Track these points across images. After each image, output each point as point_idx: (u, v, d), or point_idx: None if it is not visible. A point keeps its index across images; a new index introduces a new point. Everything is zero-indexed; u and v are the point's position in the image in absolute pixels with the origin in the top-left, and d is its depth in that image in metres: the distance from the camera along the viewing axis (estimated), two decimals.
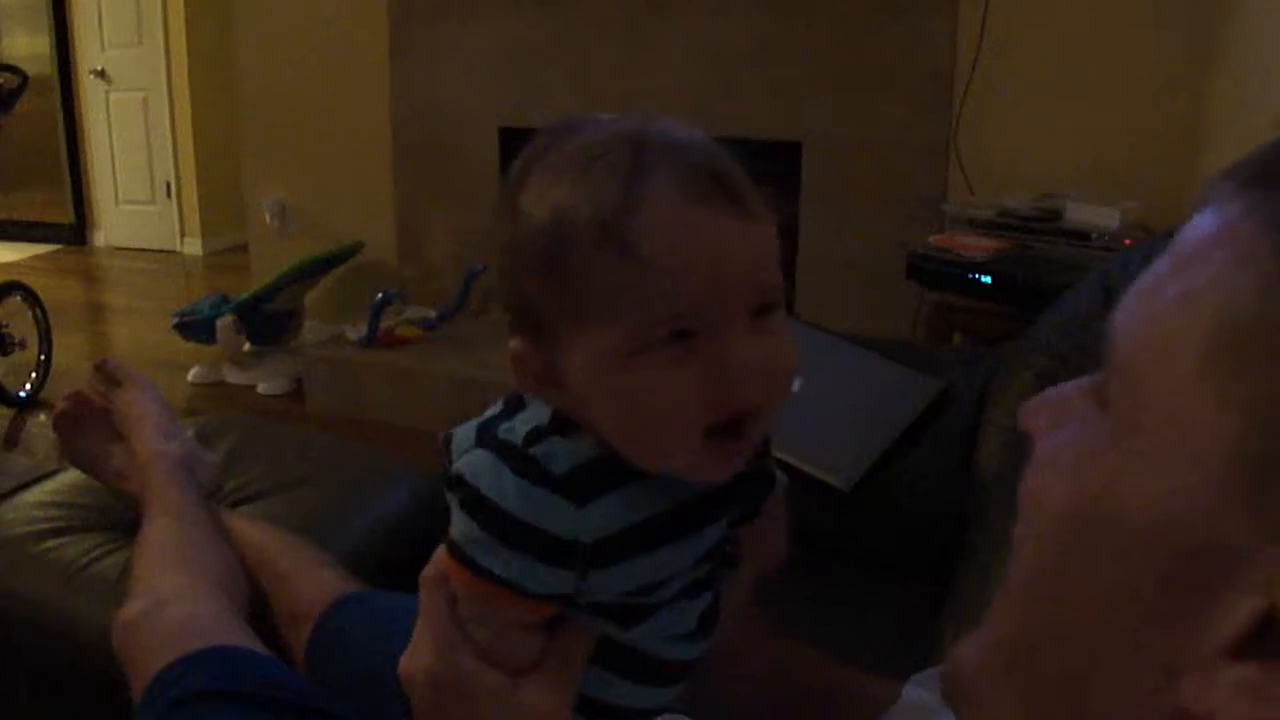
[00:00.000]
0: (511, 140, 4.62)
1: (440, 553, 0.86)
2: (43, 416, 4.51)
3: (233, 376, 4.94)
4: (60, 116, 7.91)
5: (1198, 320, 0.48)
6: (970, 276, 3.14)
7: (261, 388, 4.83)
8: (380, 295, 4.49)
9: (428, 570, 0.87)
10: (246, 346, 4.93)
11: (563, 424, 0.81)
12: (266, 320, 4.87)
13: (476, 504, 0.79)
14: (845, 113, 4.08)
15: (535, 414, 0.82)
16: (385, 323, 4.52)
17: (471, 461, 0.81)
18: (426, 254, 4.87)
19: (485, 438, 0.82)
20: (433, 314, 4.65)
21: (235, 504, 1.94)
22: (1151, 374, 0.51)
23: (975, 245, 3.25)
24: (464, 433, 0.85)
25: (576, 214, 0.74)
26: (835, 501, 1.79)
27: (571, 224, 0.74)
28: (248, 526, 1.72)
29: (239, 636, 1.39)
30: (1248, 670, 0.45)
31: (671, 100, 4.24)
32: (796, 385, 1.95)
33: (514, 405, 0.85)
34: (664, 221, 0.73)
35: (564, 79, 4.43)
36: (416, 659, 0.86)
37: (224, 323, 4.72)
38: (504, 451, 0.80)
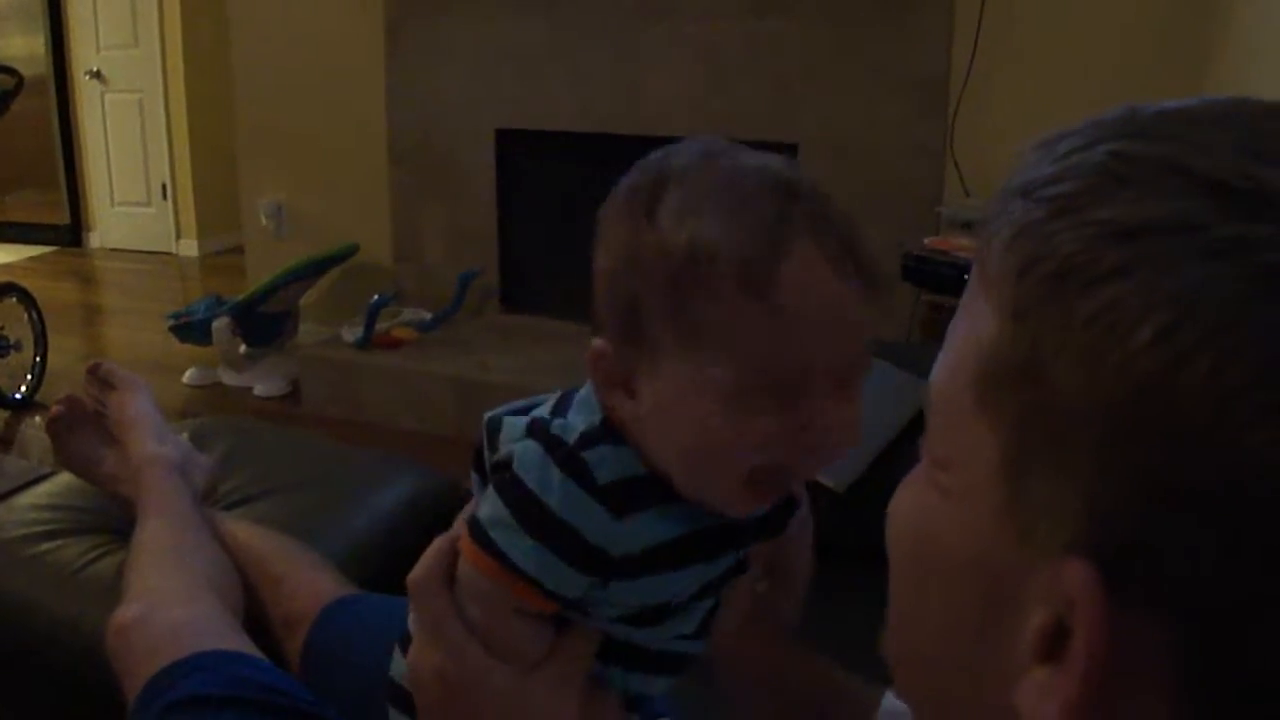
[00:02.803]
0: (507, 142, 4.62)
1: (428, 555, 0.87)
2: (38, 419, 4.50)
3: (228, 378, 4.94)
4: (55, 118, 7.89)
5: (970, 357, 0.53)
6: (966, 278, 3.13)
7: (257, 389, 4.82)
8: (376, 297, 4.49)
9: (416, 573, 0.87)
10: (242, 348, 4.93)
11: (614, 432, 0.82)
12: (262, 322, 4.87)
13: (517, 492, 0.81)
14: (841, 114, 4.09)
15: (586, 414, 0.84)
16: (381, 324, 4.52)
17: (521, 451, 0.82)
18: (422, 256, 4.87)
19: (537, 430, 0.83)
20: (428, 316, 4.65)
21: (230, 507, 1.94)
22: (947, 413, 0.55)
23: (970, 247, 3.25)
24: (514, 422, 0.86)
25: (721, 248, 0.75)
26: (829, 503, 1.79)
27: (713, 256, 0.75)
28: (242, 530, 1.72)
29: (233, 641, 1.39)
30: (1043, 672, 0.49)
31: (668, 101, 4.25)
32: None
33: (563, 403, 0.87)
34: (804, 279, 0.75)
35: (560, 81, 4.43)
36: (424, 658, 0.87)
37: (220, 324, 4.71)
38: (555, 448, 0.81)
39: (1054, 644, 0.48)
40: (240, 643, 1.39)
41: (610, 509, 0.79)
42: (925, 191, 3.96)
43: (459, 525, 0.87)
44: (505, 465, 0.82)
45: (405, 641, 0.91)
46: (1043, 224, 0.49)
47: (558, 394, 0.89)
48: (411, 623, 0.91)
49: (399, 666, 0.93)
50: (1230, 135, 0.49)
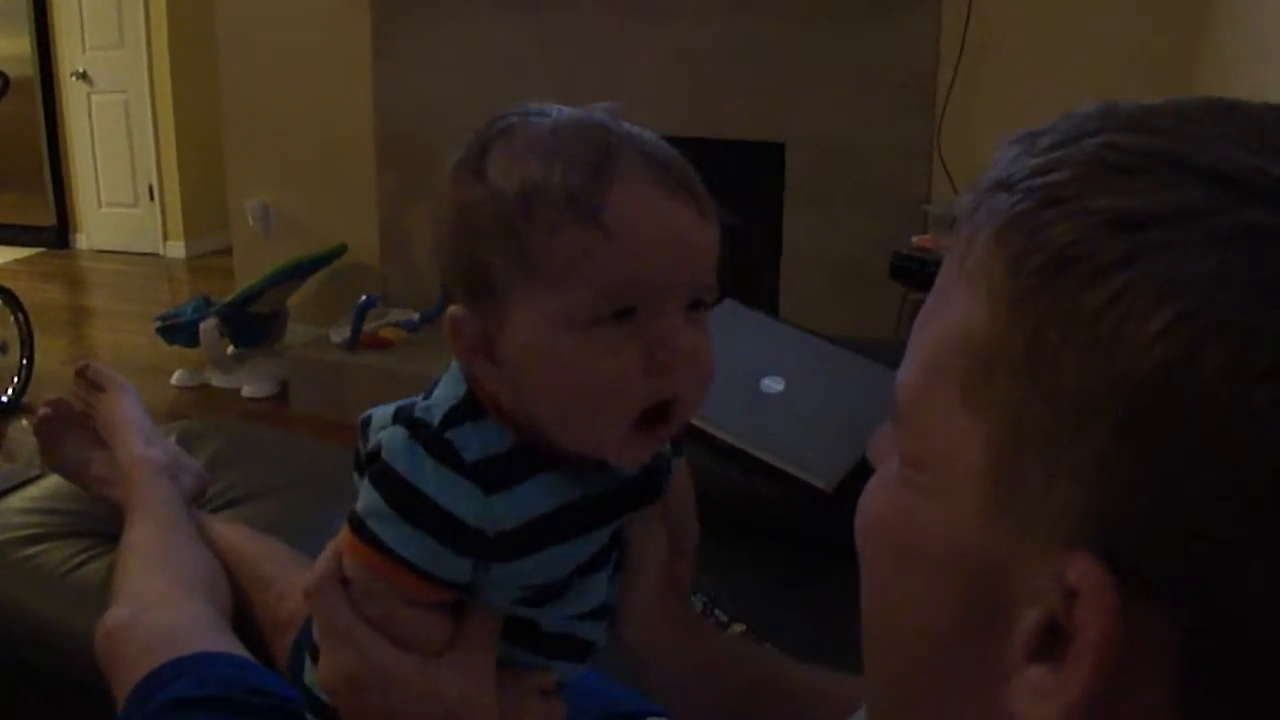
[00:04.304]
0: None
1: (319, 560, 0.86)
2: (25, 421, 4.48)
3: (217, 380, 4.93)
4: (42, 119, 7.86)
5: (953, 351, 0.52)
6: None
7: (246, 391, 4.82)
8: (363, 298, 4.49)
9: (309, 579, 0.86)
10: (230, 350, 4.93)
11: (476, 409, 0.83)
12: (250, 323, 4.86)
13: (388, 480, 0.81)
14: (828, 113, 4.09)
15: (449, 393, 0.84)
16: (368, 325, 4.52)
17: (389, 439, 0.82)
18: (409, 257, 4.86)
19: (402, 416, 0.84)
20: (416, 316, 4.64)
21: (218, 509, 1.93)
22: (924, 410, 0.54)
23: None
24: (383, 412, 0.87)
25: (547, 184, 0.77)
26: (819, 502, 1.80)
27: (542, 191, 0.77)
28: (231, 532, 1.72)
29: (222, 643, 1.39)
30: (1037, 672, 0.48)
31: (655, 103, 4.24)
32: (781, 385, 1.97)
33: (433, 385, 0.88)
34: (632, 200, 0.77)
35: (546, 82, 4.42)
36: (331, 663, 0.85)
37: (207, 326, 4.71)
38: (419, 431, 0.81)
39: (1048, 643, 0.47)
40: (229, 645, 1.39)
41: (481, 486, 0.79)
42: (912, 190, 3.97)
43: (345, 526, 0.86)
44: (376, 455, 0.82)
45: (314, 651, 0.90)
46: (1034, 214, 0.49)
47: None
48: (315, 631, 0.90)
49: (311, 675, 0.92)
50: (1219, 128, 0.49)
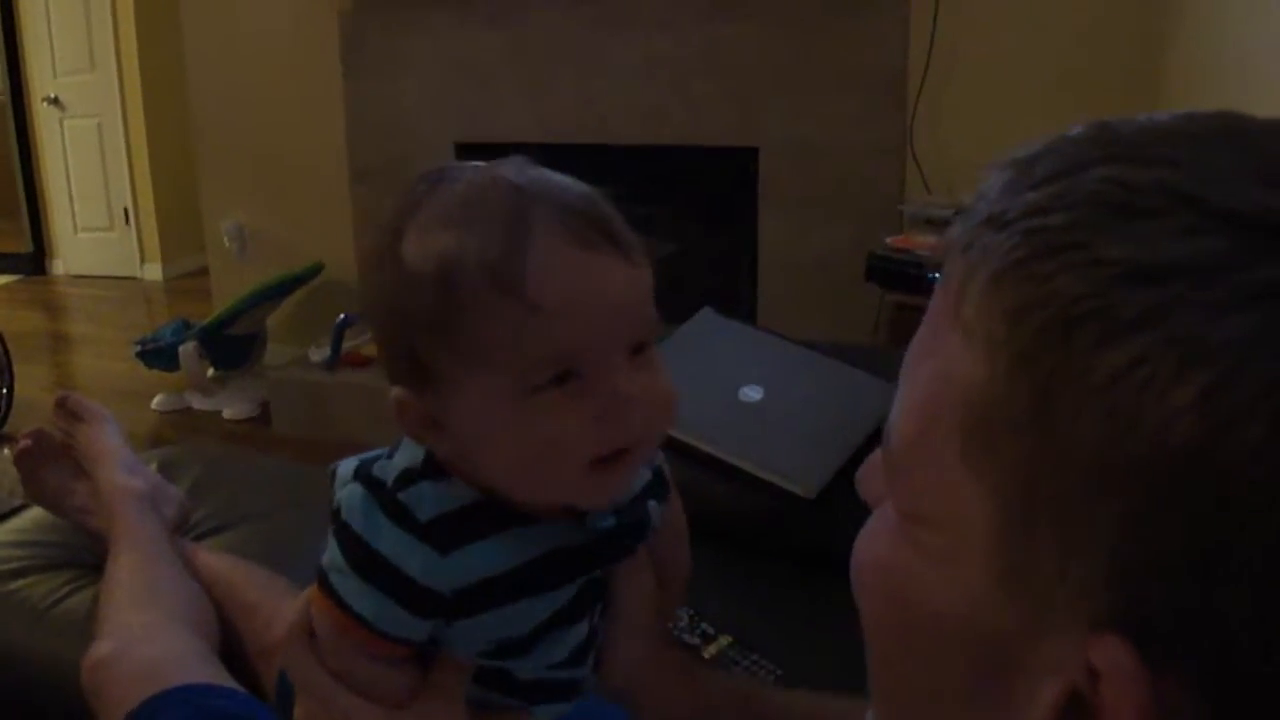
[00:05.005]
0: (467, 156, 4.61)
1: (293, 612, 0.87)
2: (5, 451, 4.46)
3: (197, 403, 4.92)
4: (14, 145, 7.83)
5: (949, 403, 0.49)
6: (930, 277, 3.15)
7: (227, 413, 4.80)
8: (342, 316, 4.48)
9: (285, 633, 0.87)
10: (210, 372, 4.91)
11: (435, 469, 0.82)
12: (229, 345, 4.85)
13: (346, 537, 0.81)
14: (800, 116, 4.09)
15: (410, 454, 0.84)
16: (348, 343, 4.50)
17: (347, 496, 0.83)
18: None
19: (361, 473, 0.84)
20: None
21: (201, 537, 1.93)
22: (921, 464, 0.51)
23: (933, 245, 3.27)
24: (347, 466, 0.87)
25: (463, 261, 0.75)
26: (801, 510, 1.80)
27: (459, 270, 0.75)
28: (214, 560, 1.71)
29: (208, 673, 1.38)
30: None
31: (626, 111, 4.25)
32: (759, 394, 1.97)
33: (398, 442, 0.87)
34: (550, 264, 0.75)
35: (518, 93, 4.42)
36: (301, 714, 0.87)
37: (186, 349, 4.69)
38: (376, 490, 0.82)
39: (1068, 713, 0.46)
40: (215, 675, 1.39)
41: (435, 546, 0.80)
42: (887, 190, 3.98)
43: None
44: (336, 512, 0.83)
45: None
46: (1034, 261, 0.46)
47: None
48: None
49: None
50: (1233, 158, 0.45)
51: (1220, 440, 0.40)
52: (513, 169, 0.81)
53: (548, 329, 0.75)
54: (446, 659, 0.86)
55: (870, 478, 0.59)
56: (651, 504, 0.92)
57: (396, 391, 0.82)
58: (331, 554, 0.83)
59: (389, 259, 0.79)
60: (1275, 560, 0.41)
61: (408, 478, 0.82)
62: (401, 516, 0.80)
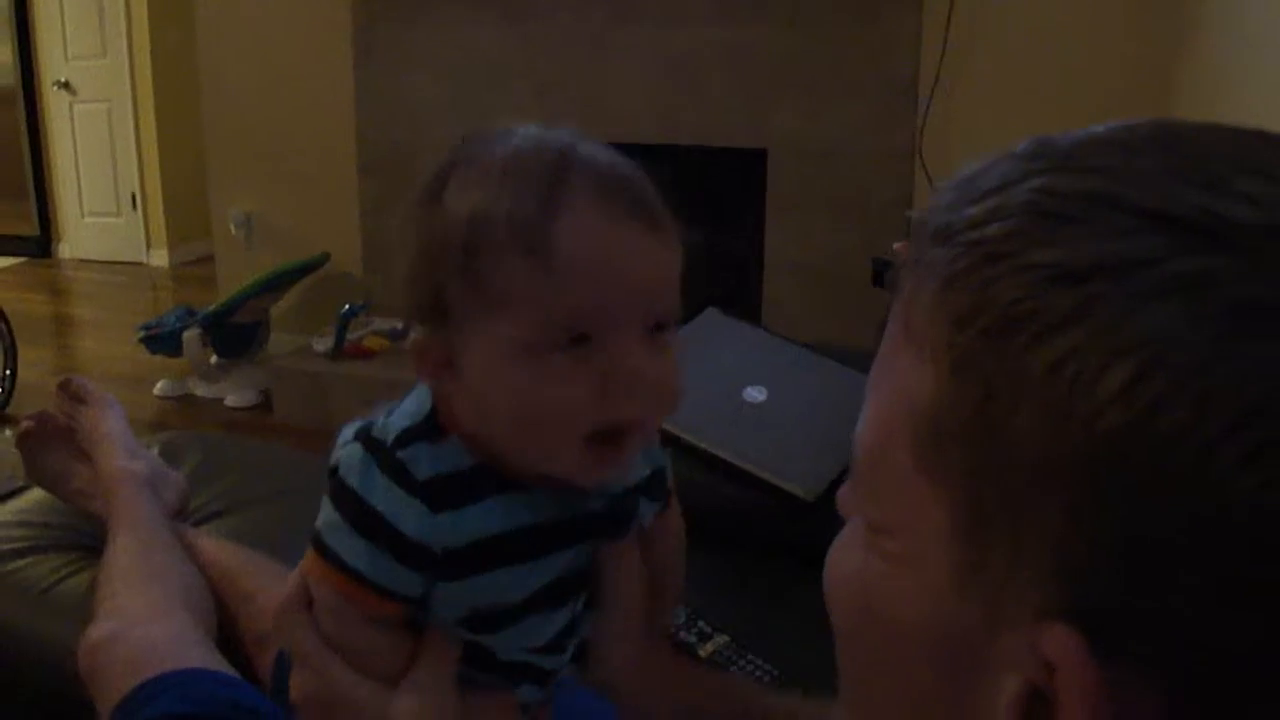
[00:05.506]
0: None
1: (290, 583, 0.88)
2: (8, 433, 4.47)
3: (200, 390, 4.93)
4: (24, 128, 7.85)
5: (904, 413, 0.51)
6: None
7: (229, 400, 4.82)
8: (347, 307, 4.49)
9: (281, 601, 0.88)
10: (213, 359, 4.92)
11: (434, 429, 0.84)
12: (233, 333, 4.86)
13: (342, 494, 0.83)
14: (810, 119, 4.10)
15: (409, 412, 0.86)
16: (352, 334, 4.52)
17: (346, 455, 0.84)
18: (392, 265, 4.80)
19: (361, 434, 0.85)
20: (399, 325, 4.63)
21: (201, 522, 1.93)
22: (882, 475, 0.53)
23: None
24: (349, 429, 0.88)
25: (494, 215, 0.77)
26: (801, 512, 1.80)
27: (489, 221, 0.77)
28: (213, 545, 1.71)
29: (205, 658, 1.39)
30: None
31: (637, 109, 4.25)
32: (762, 394, 1.97)
33: (402, 400, 0.89)
34: (578, 229, 0.77)
35: (529, 88, 4.43)
36: (297, 684, 0.87)
37: (190, 336, 4.70)
38: (374, 449, 0.83)
39: (1032, 709, 0.46)
40: (212, 660, 1.39)
41: (428, 504, 0.81)
42: (894, 196, 3.98)
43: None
44: (334, 470, 0.84)
45: None
46: (974, 271, 0.47)
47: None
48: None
49: None
50: (1160, 161, 0.47)
51: (1143, 428, 0.42)
52: (564, 136, 0.83)
53: (567, 290, 0.76)
54: (437, 635, 0.86)
55: (844, 494, 0.60)
56: (644, 501, 0.93)
57: (417, 334, 0.84)
58: (326, 513, 0.84)
59: (430, 201, 0.81)
60: (1214, 539, 0.42)
61: (406, 438, 0.83)
62: (398, 474, 0.81)
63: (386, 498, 0.81)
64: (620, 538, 0.92)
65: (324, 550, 0.83)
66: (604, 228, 0.78)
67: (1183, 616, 0.43)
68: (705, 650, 1.55)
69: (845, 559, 0.58)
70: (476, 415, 0.82)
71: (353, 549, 0.82)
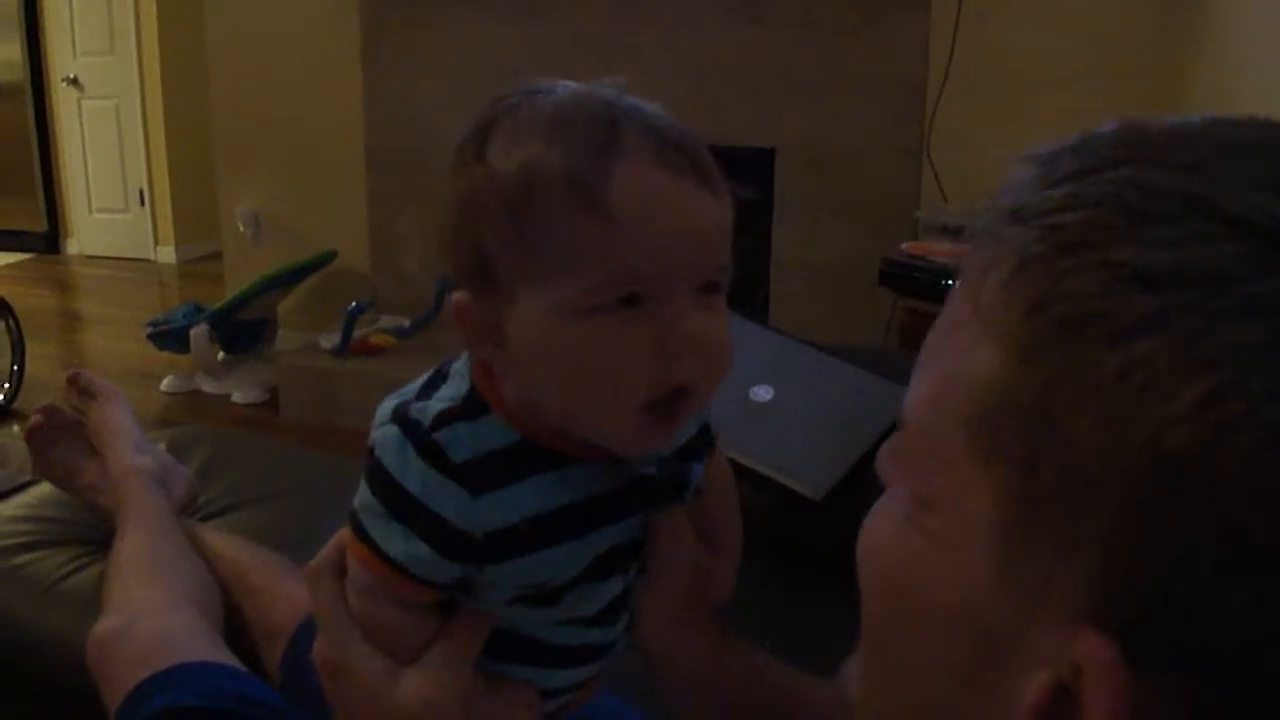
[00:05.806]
0: None
1: (328, 545, 0.87)
2: (16, 428, 4.48)
3: (207, 386, 4.93)
4: (32, 124, 7.86)
5: (961, 391, 0.49)
6: (943, 284, 3.15)
7: (236, 397, 4.82)
8: (354, 304, 4.49)
9: (314, 561, 0.87)
10: (220, 356, 4.92)
11: (474, 407, 0.81)
12: (240, 329, 4.86)
13: (378, 477, 0.80)
14: (819, 119, 4.10)
15: (449, 393, 0.83)
16: (359, 331, 4.52)
17: (382, 436, 0.81)
18: (400, 263, 4.86)
19: (398, 414, 0.82)
20: (406, 322, 4.65)
21: (208, 518, 1.93)
22: (933, 448, 0.52)
23: (948, 252, 3.27)
24: (386, 406, 0.84)
25: (548, 166, 0.74)
26: (807, 511, 1.79)
27: (542, 175, 0.74)
28: (221, 541, 1.72)
29: (213, 652, 1.39)
30: None
31: None
32: (770, 394, 1.97)
33: (433, 383, 0.85)
34: (635, 182, 0.74)
35: None
36: (317, 648, 0.86)
37: (197, 332, 4.70)
38: (412, 431, 0.80)
39: (1056, 705, 0.46)
40: (220, 654, 1.39)
41: (468, 488, 0.78)
42: (903, 196, 3.98)
43: None
44: (370, 451, 0.82)
45: None
46: (1050, 258, 0.46)
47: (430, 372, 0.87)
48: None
49: None
50: (1257, 167, 0.45)
51: (1214, 448, 0.41)
52: (611, 91, 0.81)
53: (622, 245, 0.73)
54: (463, 616, 0.84)
55: (884, 457, 0.59)
56: (696, 466, 0.91)
57: (459, 295, 0.80)
58: (363, 494, 0.82)
59: (472, 156, 0.78)
60: (1258, 567, 0.41)
61: (444, 418, 0.80)
62: (435, 456, 0.78)
63: (423, 482, 0.78)
64: (677, 503, 0.89)
65: (360, 532, 0.81)
66: (663, 181, 0.75)
67: (1225, 641, 0.42)
68: None
69: (882, 526, 0.57)
70: (524, 384, 0.79)
71: (388, 534, 0.79)
